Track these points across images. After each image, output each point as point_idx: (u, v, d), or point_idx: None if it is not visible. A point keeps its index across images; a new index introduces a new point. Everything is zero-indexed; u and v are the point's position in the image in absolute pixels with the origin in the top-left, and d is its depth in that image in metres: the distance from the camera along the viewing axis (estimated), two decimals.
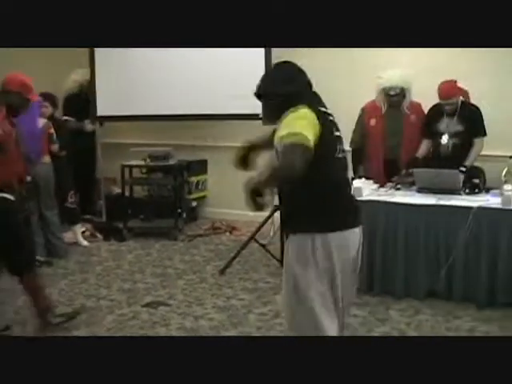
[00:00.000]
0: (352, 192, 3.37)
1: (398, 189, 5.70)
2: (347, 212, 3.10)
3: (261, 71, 6.71)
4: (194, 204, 8.36)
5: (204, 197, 8.59)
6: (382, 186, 5.83)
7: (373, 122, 6.27)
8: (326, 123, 2.98)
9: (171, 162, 7.82)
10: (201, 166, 8.45)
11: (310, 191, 2.98)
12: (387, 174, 6.06)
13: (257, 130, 7.03)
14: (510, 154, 5.89)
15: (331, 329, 3.04)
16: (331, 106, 3.20)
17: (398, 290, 5.35)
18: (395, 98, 6.13)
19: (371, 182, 5.83)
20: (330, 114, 3.09)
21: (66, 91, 8.15)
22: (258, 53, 7.07)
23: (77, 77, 8.19)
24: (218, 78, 7.48)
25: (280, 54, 6.90)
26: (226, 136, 8.13)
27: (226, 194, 8.30)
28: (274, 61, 7.02)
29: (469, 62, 6.56)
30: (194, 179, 8.28)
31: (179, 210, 7.88)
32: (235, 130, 8.00)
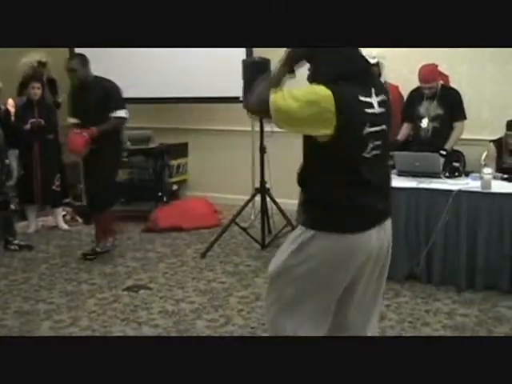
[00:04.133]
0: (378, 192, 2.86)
1: None
2: (357, 215, 2.75)
3: (242, 54, 6.79)
4: (175, 187, 8.33)
5: (185, 180, 8.57)
6: None
7: None
8: (354, 116, 2.64)
9: (152, 145, 7.80)
10: (181, 149, 8.42)
11: (321, 186, 2.77)
12: None
13: (237, 113, 7.07)
14: (489, 138, 5.95)
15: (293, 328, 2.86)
16: None
17: None
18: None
19: None
20: (371, 105, 2.70)
21: (21, 75, 7.89)
22: None
23: (27, 59, 7.92)
24: (198, 60, 7.44)
25: None
26: (207, 119, 8.13)
27: (206, 177, 8.31)
28: None
29: None
30: (174, 162, 8.25)
31: (160, 194, 7.86)
32: (215, 113, 8.01)
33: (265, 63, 6.15)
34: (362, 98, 2.67)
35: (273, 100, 2.66)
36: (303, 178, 2.85)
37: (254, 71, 6.15)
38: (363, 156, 2.70)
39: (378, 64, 6.09)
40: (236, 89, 6.50)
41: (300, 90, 2.64)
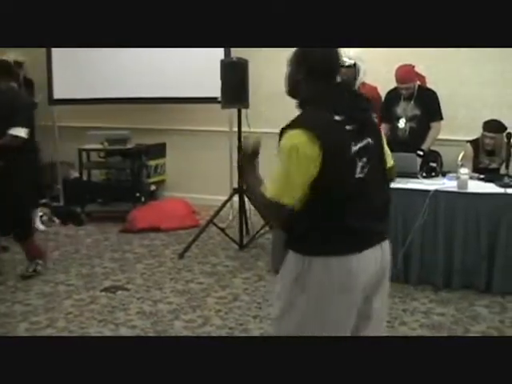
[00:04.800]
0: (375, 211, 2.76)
1: None
2: (361, 234, 2.64)
3: (220, 55, 6.79)
4: (153, 188, 8.30)
5: (163, 180, 8.54)
6: None
7: None
8: (336, 144, 2.52)
9: (129, 145, 7.76)
10: (159, 150, 8.39)
11: (313, 213, 2.62)
12: None
13: (215, 113, 7.09)
14: (466, 139, 5.99)
15: None
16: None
17: None
18: (346, 70, 5.98)
19: None
20: (349, 122, 2.57)
21: None
22: None
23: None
24: (176, 61, 7.42)
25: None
26: (185, 119, 8.12)
27: (184, 178, 8.29)
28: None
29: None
30: (152, 163, 8.22)
31: (138, 194, 7.83)
32: (193, 114, 7.99)
33: (243, 63, 6.17)
34: (337, 118, 2.55)
35: (274, 198, 2.55)
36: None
37: (232, 71, 6.18)
38: (356, 177, 2.59)
39: (354, 65, 6.08)
40: (214, 89, 6.51)
41: (280, 161, 2.55)
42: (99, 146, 7.75)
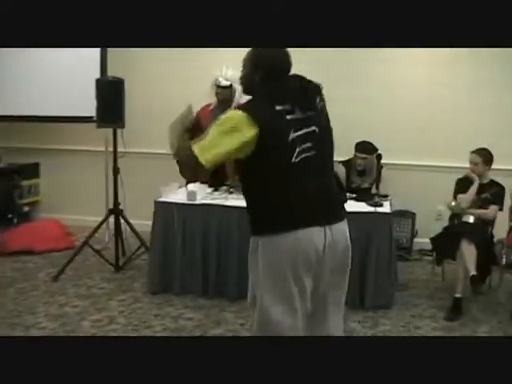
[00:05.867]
0: (318, 190, 3.01)
1: (231, 192, 5.76)
2: (298, 213, 2.94)
3: (95, 72, 6.71)
4: (26, 209, 8.06)
5: (37, 201, 8.32)
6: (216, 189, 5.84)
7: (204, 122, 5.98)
8: (272, 124, 2.88)
9: (1, 164, 7.53)
10: (33, 170, 8.16)
11: (256, 196, 3.03)
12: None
13: (90, 133, 6.98)
14: (339, 159, 6.15)
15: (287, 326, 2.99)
16: None
17: (231, 292, 5.44)
18: (223, 91, 6.02)
19: (206, 185, 5.87)
20: (290, 112, 2.92)
21: None
22: (94, 53, 6.95)
23: None
24: (50, 78, 7.27)
25: (115, 55, 6.85)
26: (59, 138, 7.95)
27: (59, 199, 8.10)
28: (110, 62, 6.96)
29: None
30: (25, 183, 8.00)
31: (10, 215, 7.60)
32: (68, 133, 7.85)
33: (118, 82, 6.12)
34: (278, 108, 2.89)
35: (199, 154, 2.86)
36: (244, 194, 3.10)
37: (107, 91, 6.11)
38: (292, 161, 2.89)
39: (230, 86, 6.05)
40: (89, 108, 6.42)
41: (214, 127, 2.89)
42: None
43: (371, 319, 5.16)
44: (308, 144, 2.93)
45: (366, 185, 6.16)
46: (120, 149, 6.22)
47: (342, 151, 6.30)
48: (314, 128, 2.97)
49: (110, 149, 6.55)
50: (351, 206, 5.37)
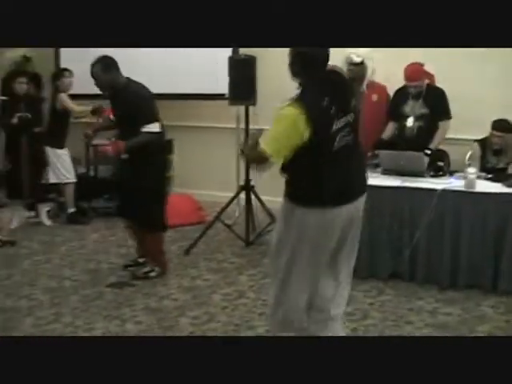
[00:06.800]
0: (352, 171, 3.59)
1: None
2: (331, 192, 3.44)
3: (228, 51, 6.77)
4: None
5: (171, 177, 8.51)
6: None
7: None
8: (321, 121, 3.32)
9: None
10: (167, 146, 8.35)
11: (300, 175, 3.50)
12: None
13: (222, 110, 7.08)
14: (474, 138, 5.96)
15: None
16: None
17: (362, 270, 5.38)
18: (355, 68, 6.01)
19: None
20: (333, 103, 3.36)
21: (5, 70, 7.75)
22: None
23: (11, 54, 7.79)
24: (184, 57, 7.31)
25: None
26: (191, 116, 8.10)
27: (191, 175, 8.26)
28: None
29: None
30: None
31: None
32: (201, 110, 7.99)
33: (251, 60, 6.17)
34: (325, 100, 3.34)
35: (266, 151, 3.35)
36: (285, 168, 3.51)
37: (240, 68, 6.18)
38: (333, 150, 3.39)
39: (362, 63, 6.04)
40: (222, 86, 6.52)
41: (272, 128, 3.39)
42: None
43: (504, 305, 4.98)
44: (345, 132, 3.43)
45: (501, 165, 5.92)
46: (252, 126, 6.27)
47: (477, 130, 6.12)
48: (349, 118, 3.45)
49: (242, 126, 6.63)
50: (487, 186, 5.23)
